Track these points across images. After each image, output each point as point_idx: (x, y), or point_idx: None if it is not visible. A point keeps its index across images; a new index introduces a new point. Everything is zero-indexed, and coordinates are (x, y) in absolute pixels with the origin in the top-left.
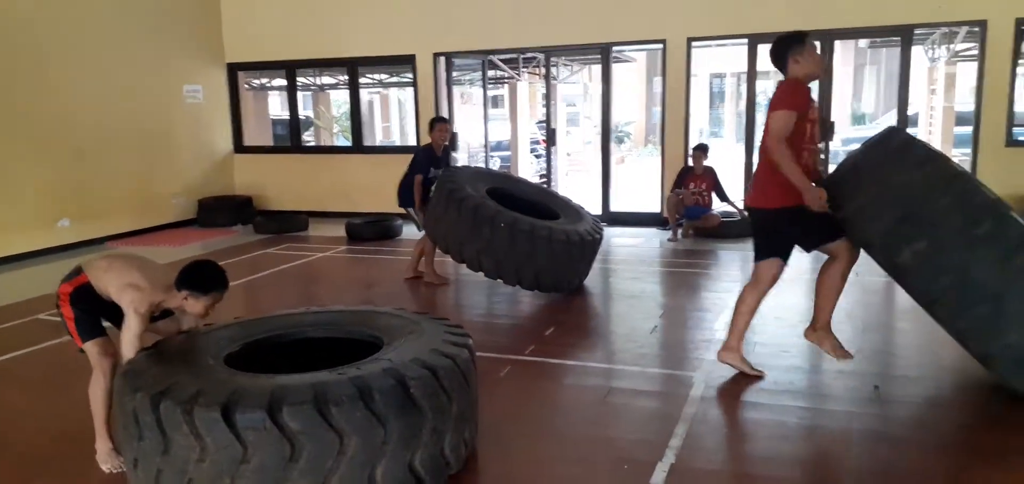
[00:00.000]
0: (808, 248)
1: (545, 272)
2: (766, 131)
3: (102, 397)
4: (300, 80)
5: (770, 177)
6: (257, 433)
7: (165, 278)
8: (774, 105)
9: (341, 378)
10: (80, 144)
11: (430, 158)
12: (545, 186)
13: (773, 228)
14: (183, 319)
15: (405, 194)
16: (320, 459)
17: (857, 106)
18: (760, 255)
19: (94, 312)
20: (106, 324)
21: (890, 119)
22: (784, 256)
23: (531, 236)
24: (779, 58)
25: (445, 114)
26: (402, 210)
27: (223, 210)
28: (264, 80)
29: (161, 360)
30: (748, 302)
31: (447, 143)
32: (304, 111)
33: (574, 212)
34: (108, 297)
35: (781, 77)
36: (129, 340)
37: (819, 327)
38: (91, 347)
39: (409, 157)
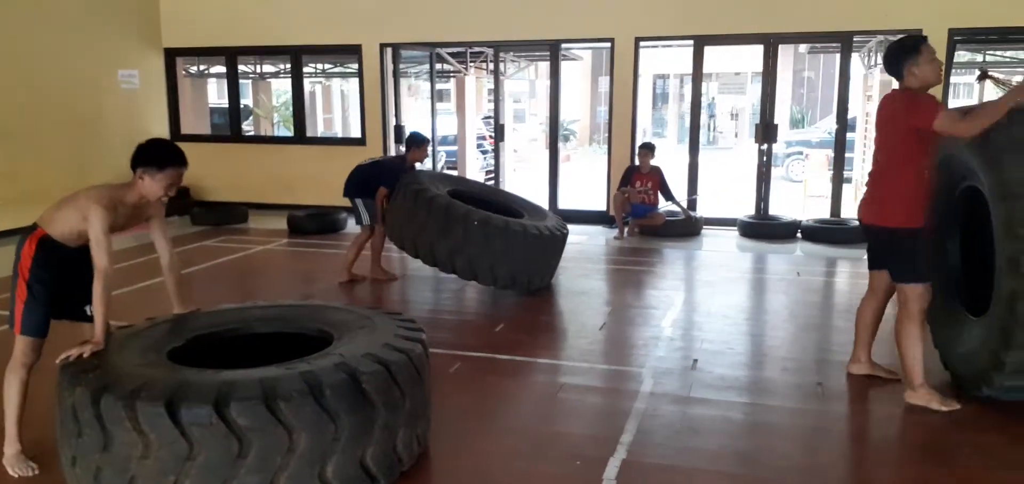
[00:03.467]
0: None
1: (520, 269)
2: (887, 147)
3: (17, 391)
4: (241, 68)
5: (902, 193)
6: (203, 429)
7: (120, 184)
8: (919, 116)
9: (291, 373)
10: (5, 126)
11: (399, 174)
12: (499, 187)
13: (911, 248)
14: (154, 221)
15: (357, 185)
16: (269, 456)
17: (796, 110)
18: (900, 277)
19: (49, 296)
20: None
21: (828, 123)
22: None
23: (505, 233)
24: (894, 65)
25: (392, 107)
26: (347, 202)
27: None
28: (203, 66)
29: (101, 354)
30: (913, 334)
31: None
32: (243, 100)
33: (537, 211)
34: (69, 238)
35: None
36: (97, 239)
37: (865, 359)
38: (24, 341)
39: (353, 149)
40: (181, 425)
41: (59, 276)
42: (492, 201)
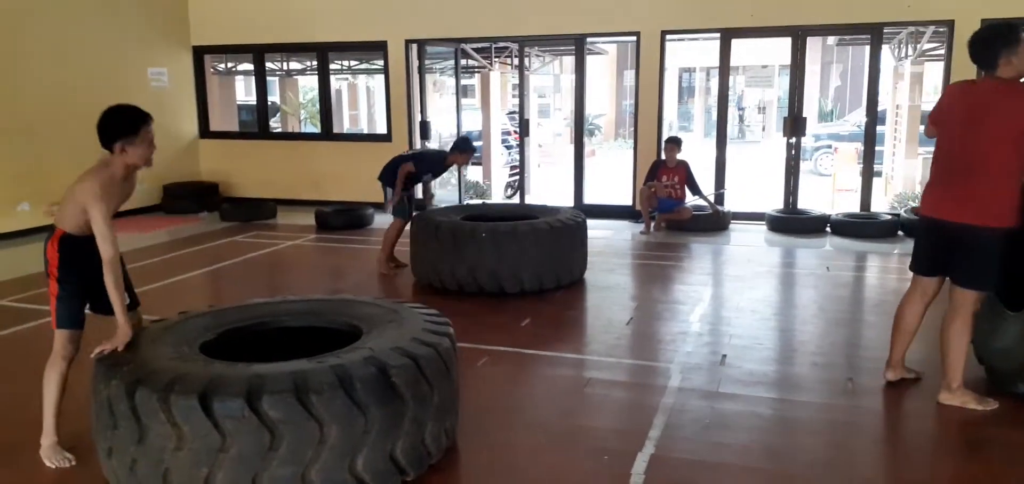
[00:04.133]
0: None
1: (542, 268)
2: (985, 141)
3: (56, 384)
4: (268, 65)
5: (1005, 192)
6: (236, 422)
7: (103, 165)
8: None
9: (321, 367)
10: (34, 125)
11: (436, 167)
12: (516, 202)
13: (994, 251)
14: (130, 189)
15: (390, 174)
16: (300, 448)
17: (824, 102)
18: (972, 282)
19: (80, 289)
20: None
21: (858, 116)
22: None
23: (515, 235)
24: (987, 53)
25: (417, 103)
26: (372, 200)
27: (188, 197)
28: (231, 64)
29: (135, 347)
30: (965, 338)
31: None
32: (271, 97)
33: (549, 211)
34: (83, 230)
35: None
36: (100, 232)
37: (902, 364)
38: (62, 334)
39: (379, 146)
40: (214, 418)
41: (85, 270)
42: (504, 215)
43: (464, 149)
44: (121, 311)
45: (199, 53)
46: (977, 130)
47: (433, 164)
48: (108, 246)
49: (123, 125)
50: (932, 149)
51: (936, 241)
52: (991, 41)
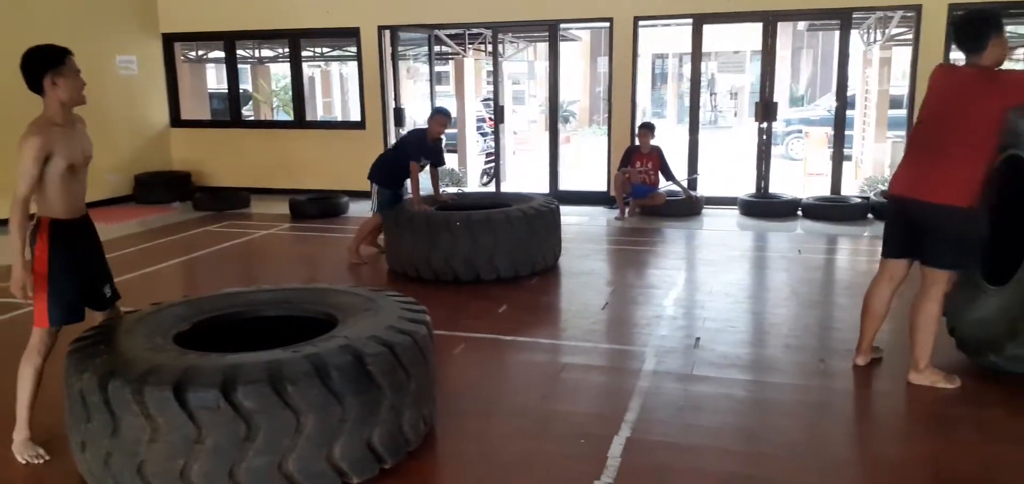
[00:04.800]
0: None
1: (517, 254)
2: (959, 122)
3: (31, 378)
4: (239, 52)
5: (973, 173)
6: (211, 413)
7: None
8: (1019, 93)
9: (296, 356)
10: None
11: (422, 146)
12: (491, 191)
13: (966, 231)
14: (79, 143)
15: (379, 172)
16: (276, 438)
17: (795, 88)
18: (943, 262)
19: (74, 280)
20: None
21: (828, 101)
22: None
23: (489, 224)
24: (977, 39)
25: (391, 90)
26: (346, 189)
27: (160, 186)
28: (201, 52)
29: (108, 339)
30: (935, 318)
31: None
32: (243, 84)
33: (522, 199)
34: (59, 199)
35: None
36: (21, 171)
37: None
38: (42, 330)
39: (353, 133)
40: (189, 409)
41: (76, 255)
42: (479, 204)
43: (440, 112)
44: (16, 256)
45: (169, 40)
46: (956, 115)
47: (420, 146)
48: (21, 183)
49: (47, 57)
50: (901, 133)
51: (907, 222)
52: (982, 25)
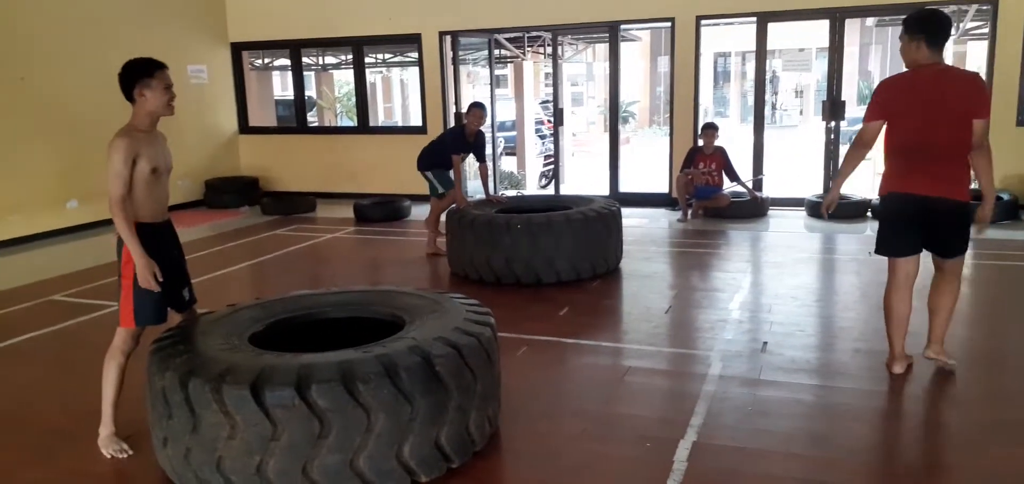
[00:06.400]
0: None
1: (578, 257)
2: (963, 123)
3: (115, 376)
4: (304, 60)
5: (969, 172)
6: (286, 410)
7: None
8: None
9: (367, 356)
10: (78, 124)
11: (461, 141)
12: (551, 194)
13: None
14: (161, 150)
15: (427, 159)
16: (349, 436)
17: (863, 85)
18: (965, 249)
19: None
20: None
21: None
22: None
23: (549, 226)
24: (946, 35)
25: (452, 94)
26: (409, 192)
27: (229, 191)
28: (268, 60)
29: (188, 339)
30: (956, 296)
31: (480, 129)
32: (307, 91)
33: (583, 201)
34: (145, 203)
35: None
36: (113, 172)
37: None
38: (125, 330)
39: (414, 137)
40: (265, 407)
41: (160, 258)
42: (539, 207)
43: (476, 106)
44: (134, 250)
45: (237, 49)
46: (955, 115)
47: (457, 141)
48: (114, 184)
49: (139, 69)
50: None
51: (928, 221)
52: (948, 25)
